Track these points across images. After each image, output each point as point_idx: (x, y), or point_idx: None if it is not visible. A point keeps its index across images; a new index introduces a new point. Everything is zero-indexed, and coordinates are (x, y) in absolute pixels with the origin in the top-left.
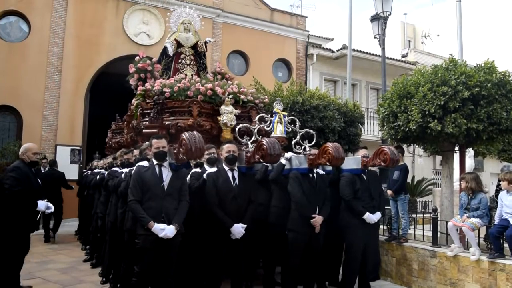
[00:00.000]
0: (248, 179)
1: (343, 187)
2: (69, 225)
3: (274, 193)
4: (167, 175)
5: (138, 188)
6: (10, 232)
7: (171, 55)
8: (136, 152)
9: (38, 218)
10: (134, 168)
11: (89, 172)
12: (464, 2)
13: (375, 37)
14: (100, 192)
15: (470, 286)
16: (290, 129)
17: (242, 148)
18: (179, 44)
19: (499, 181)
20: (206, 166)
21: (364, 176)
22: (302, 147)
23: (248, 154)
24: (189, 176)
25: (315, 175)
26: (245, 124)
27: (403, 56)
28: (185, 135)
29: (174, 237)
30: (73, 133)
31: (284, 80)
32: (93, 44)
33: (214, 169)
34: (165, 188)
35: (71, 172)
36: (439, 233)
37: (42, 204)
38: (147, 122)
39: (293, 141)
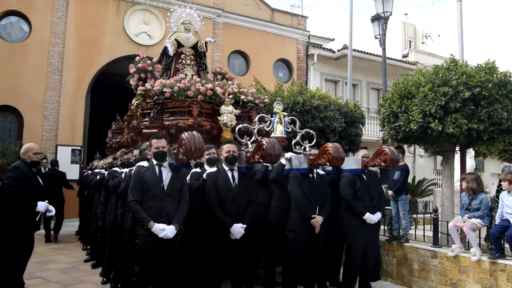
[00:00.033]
0: (248, 179)
1: (343, 187)
2: (70, 225)
3: (274, 193)
4: (167, 175)
5: (138, 188)
6: (9, 232)
7: (172, 55)
8: (136, 152)
9: (37, 219)
10: (134, 168)
11: (89, 172)
12: (465, 2)
13: (375, 37)
14: (100, 192)
15: (470, 287)
16: (290, 129)
17: (242, 148)
18: (179, 44)
19: (500, 181)
20: (206, 166)
21: (364, 176)
22: (302, 147)
23: (248, 154)
24: (189, 176)
25: (315, 175)
26: (245, 124)
27: (404, 56)
28: (185, 135)
29: (174, 237)
30: (73, 133)
31: (284, 80)
32: (94, 44)
33: (214, 169)
34: (165, 188)
35: (71, 172)
36: (439, 233)
37: (42, 205)
38: (147, 122)
39: (293, 141)
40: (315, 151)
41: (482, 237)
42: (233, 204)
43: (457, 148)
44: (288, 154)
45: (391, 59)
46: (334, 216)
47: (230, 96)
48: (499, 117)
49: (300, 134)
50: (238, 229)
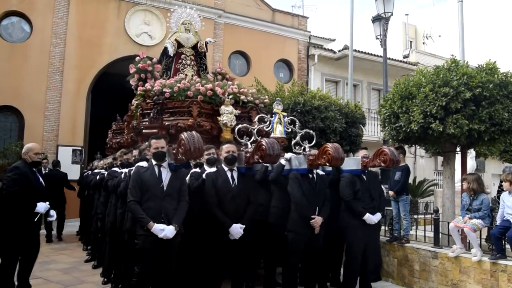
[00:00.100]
0: (247, 180)
1: (343, 188)
2: (71, 225)
3: (274, 194)
4: (166, 175)
5: (137, 189)
6: (8, 233)
7: (172, 55)
8: (135, 152)
9: (36, 220)
10: (133, 168)
11: (89, 172)
12: (465, 2)
13: (376, 38)
14: (100, 193)
15: (471, 287)
16: (289, 130)
17: (241, 149)
18: (179, 45)
19: (501, 182)
20: (205, 166)
21: (364, 176)
22: (302, 148)
23: (248, 155)
24: (188, 176)
25: (315, 175)
26: (244, 125)
27: (405, 56)
28: (184, 135)
29: (174, 237)
30: (74, 134)
31: (285, 80)
32: (95, 44)
33: (214, 169)
34: (165, 188)
35: (72, 172)
36: (440, 234)
37: (42, 206)
38: (147, 123)
39: (293, 142)
40: (314, 152)
41: (483, 238)
42: (232, 204)
43: (458, 149)
44: (288, 155)
45: (392, 59)
46: (334, 217)
47: (230, 97)
48: (500, 117)
49: (300, 134)
50: (237, 230)
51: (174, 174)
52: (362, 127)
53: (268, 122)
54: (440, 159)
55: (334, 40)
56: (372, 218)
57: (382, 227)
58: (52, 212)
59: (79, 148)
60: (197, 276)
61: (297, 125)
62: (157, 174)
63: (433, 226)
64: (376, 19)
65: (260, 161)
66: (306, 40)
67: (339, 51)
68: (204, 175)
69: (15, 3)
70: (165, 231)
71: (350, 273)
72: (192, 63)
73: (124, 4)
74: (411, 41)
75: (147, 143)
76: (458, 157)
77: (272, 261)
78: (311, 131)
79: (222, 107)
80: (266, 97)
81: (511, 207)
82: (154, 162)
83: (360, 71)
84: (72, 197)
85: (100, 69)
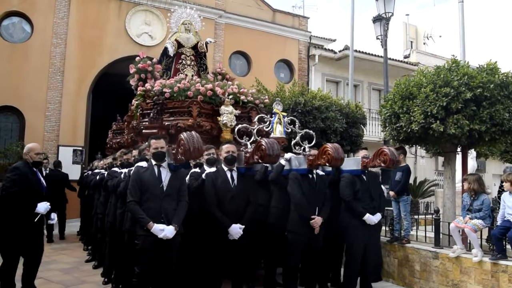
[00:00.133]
0: (247, 180)
1: (343, 188)
2: (71, 226)
3: (274, 194)
4: (166, 175)
5: (137, 189)
6: (8, 234)
7: (172, 55)
8: (135, 152)
9: (36, 220)
10: (133, 168)
11: (89, 172)
12: (466, 3)
13: (377, 38)
14: (100, 193)
15: None
16: (289, 130)
17: (241, 149)
18: (179, 45)
19: (502, 182)
20: (205, 167)
21: (364, 177)
22: (302, 148)
23: (247, 155)
24: (188, 176)
25: (314, 176)
26: (244, 125)
27: (405, 57)
28: (183, 135)
29: (174, 237)
30: (75, 134)
31: (286, 81)
32: (96, 45)
33: (213, 169)
34: (164, 188)
35: (73, 172)
36: (441, 234)
37: (42, 207)
38: (147, 123)
39: (293, 142)
40: (314, 152)
41: (484, 238)
42: (231, 204)
43: (459, 149)
44: (288, 155)
45: (393, 59)
46: (334, 217)
47: (230, 97)
48: (501, 118)
49: (300, 134)
50: (236, 230)
51: (173, 174)
52: (362, 127)
53: (268, 122)
54: (440, 159)
55: (334, 40)
56: (372, 219)
57: (383, 228)
58: (53, 216)
59: (80, 148)
60: (197, 276)
61: (297, 125)
62: (156, 174)
63: (433, 226)
64: (377, 19)
65: (260, 161)
66: (306, 41)
67: (339, 51)
68: (203, 175)
69: (16, 3)
70: (164, 231)
71: (350, 273)
72: (192, 63)
73: (124, 4)
74: (411, 41)
75: (146, 143)
76: (458, 158)
77: (272, 262)
78: (310, 131)
79: (222, 107)
80: (266, 97)
81: None
82: (153, 162)
83: (361, 71)
84: (73, 197)
85: (100, 69)
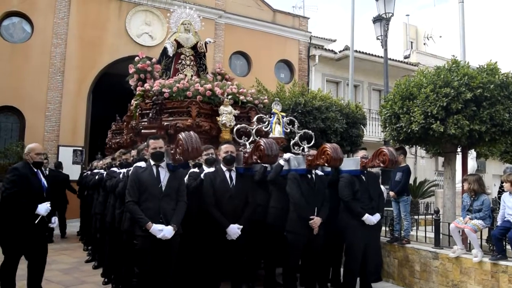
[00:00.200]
0: (246, 180)
1: (342, 188)
2: (71, 226)
3: (273, 194)
4: (164, 175)
5: (136, 189)
6: (9, 234)
7: (171, 55)
8: (134, 152)
9: (36, 222)
10: (132, 168)
11: (89, 172)
12: (466, 3)
13: (377, 38)
14: (99, 193)
15: None
16: (288, 130)
17: (240, 149)
18: (179, 45)
19: (502, 182)
20: (204, 167)
21: (363, 177)
22: (301, 148)
23: (246, 155)
24: (187, 176)
25: (313, 176)
26: (243, 125)
27: (406, 57)
28: (182, 135)
29: (173, 237)
30: (75, 134)
31: (286, 81)
32: (96, 45)
33: (212, 169)
34: (163, 188)
35: (73, 172)
36: (441, 234)
37: (43, 208)
38: (146, 123)
39: (292, 142)
40: (313, 152)
41: (484, 239)
42: (230, 204)
43: (459, 149)
44: (287, 155)
45: (393, 60)
46: (333, 217)
47: (229, 97)
48: (501, 118)
49: (299, 134)
50: (234, 230)
51: (172, 174)
52: (362, 127)
53: (266, 123)
54: (440, 159)
55: (335, 40)
56: (371, 219)
57: (383, 228)
58: (54, 219)
59: (80, 148)
60: (196, 276)
61: (296, 125)
62: (155, 174)
63: (433, 226)
64: (377, 19)
65: (259, 161)
66: (307, 41)
67: (340, 51)
68: (202, 175)
69: (16, 3)
70: (163, 231)
71: (350, 273)
72: (192, 63)
73: (125, 4)
74: (411, 42)
75: (145, 143)
76: (458, 158)
77: (272, 262)
78: (309, 131)
79: (221, 107)
80: (266, 97)
81: None
82: (152, 162)
83: (361, 71)
84: (73, 197)
85: (101, 70)
